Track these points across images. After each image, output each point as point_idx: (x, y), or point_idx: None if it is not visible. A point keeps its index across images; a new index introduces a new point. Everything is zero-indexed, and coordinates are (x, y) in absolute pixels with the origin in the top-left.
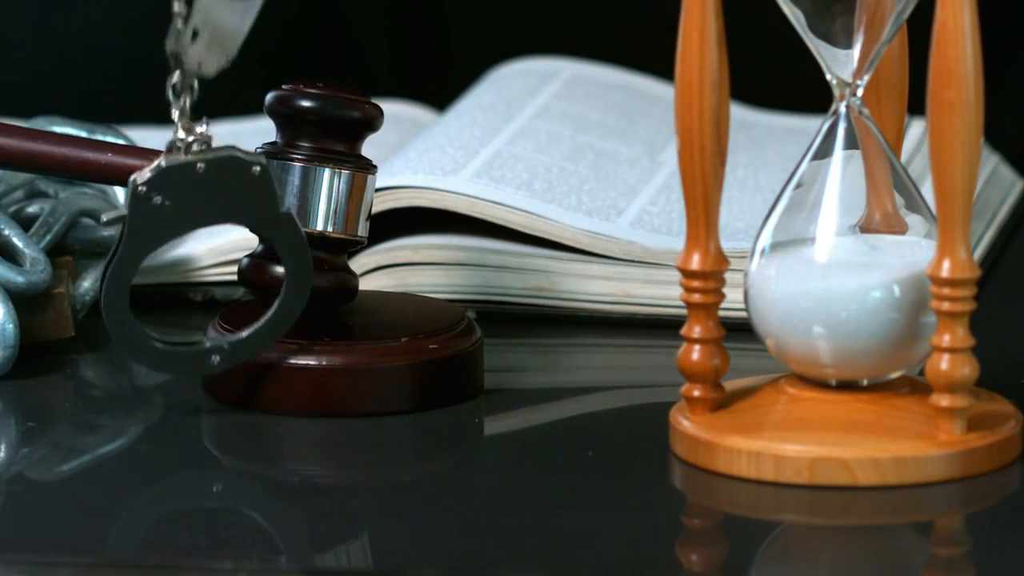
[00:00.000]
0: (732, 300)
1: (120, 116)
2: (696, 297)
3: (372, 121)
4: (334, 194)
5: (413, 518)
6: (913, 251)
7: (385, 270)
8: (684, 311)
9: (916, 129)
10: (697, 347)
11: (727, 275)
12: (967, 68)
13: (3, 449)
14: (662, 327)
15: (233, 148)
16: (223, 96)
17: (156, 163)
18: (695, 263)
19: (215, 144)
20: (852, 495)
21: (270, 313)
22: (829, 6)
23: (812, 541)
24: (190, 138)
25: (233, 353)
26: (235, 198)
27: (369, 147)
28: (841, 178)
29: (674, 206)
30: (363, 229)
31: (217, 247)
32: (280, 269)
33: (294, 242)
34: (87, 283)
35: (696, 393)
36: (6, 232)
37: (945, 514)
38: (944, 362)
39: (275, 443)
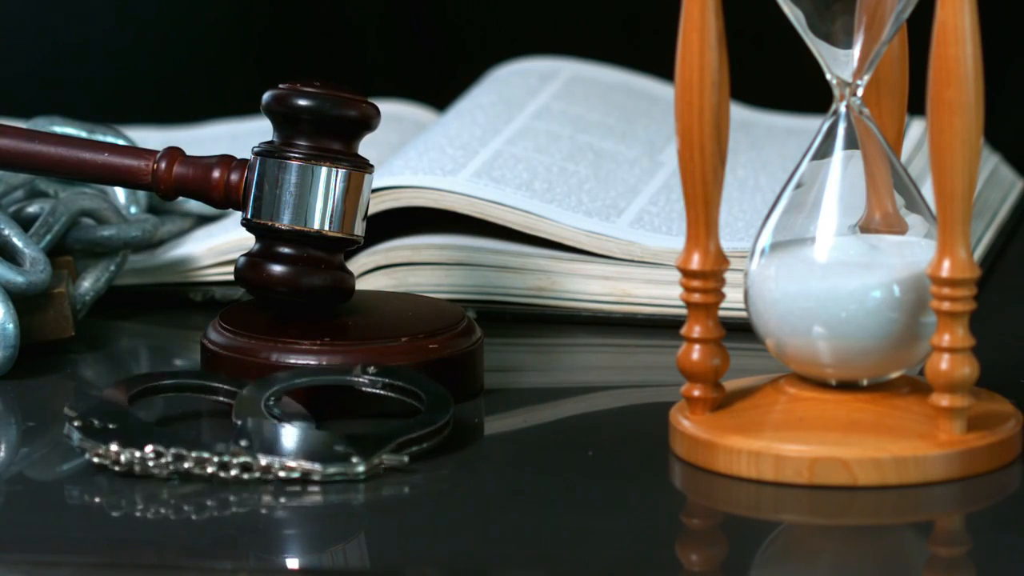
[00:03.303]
0: (732, 300)
1: (120, 116)
2: (696, 297)
3: (369, 120)
4: (331, 193)
5: (413, 518)
6: (913, 251)
7: (385, 270)
8: (684, 311)
9: (916, 129)
10: (697, 347)
11: (727, 275)
12: (967, 68)
13: (3, 449)
14: (662, 327)
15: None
16: (222, 97)
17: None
18: (695, 263)
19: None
20: (852, 495)
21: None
22: (829, 6)
23: (812, 541)
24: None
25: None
26: None
27: (369, 147)
28: (841, 178)
29: (674, 206)
30: (360, 228)
31: (217, 247)
32: (276, 268)
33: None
34: (87, 283)
35: (696, 393)
36: (6, 232)
37: (945, 514)
38: (944, 362)
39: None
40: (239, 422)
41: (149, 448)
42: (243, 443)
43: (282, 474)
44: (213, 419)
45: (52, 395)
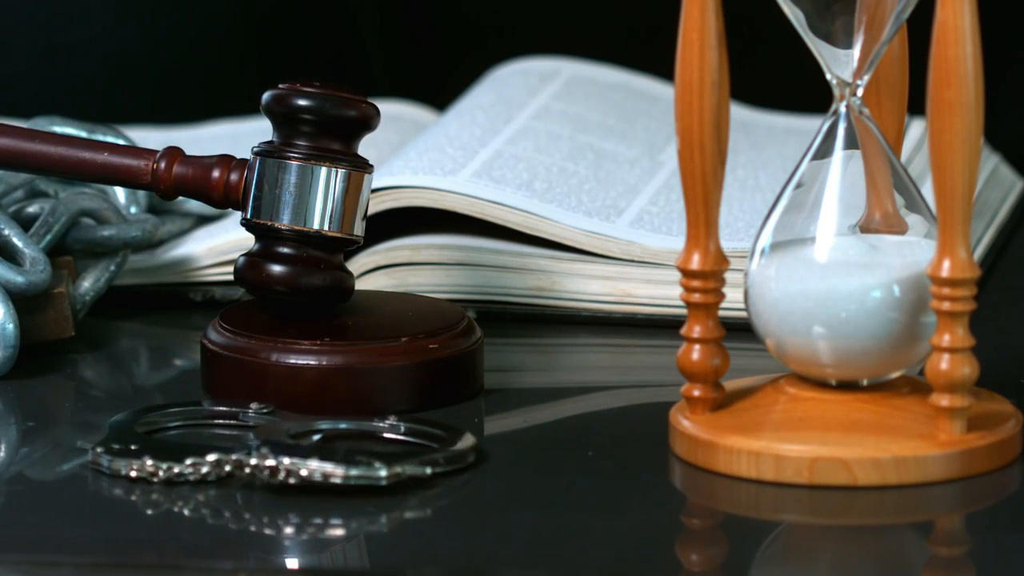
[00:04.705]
0: (732, 300)
1: (120, 116)
2: (696, 297)
3: (368, 120)
4: (331, 193)
5: (413, 518)
6: (913, 251)
7: (385, 270)
8: (684, 311)
9: (916, 129)
10: (697, 347)
11: (727, 275)
12: (967, 68)
13: (3, 449)
14: (662, 327)
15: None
16: (222, 97)
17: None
18: (695, 263)
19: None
20: (852, 495)
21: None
22: (829, 6)
23: (812, 541)
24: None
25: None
26: None
27: (369, 147)
28: (841, 178)
29: (674, 206)
30: (359, 228)
31: (217, 247)
32: (276, 267)
33: None
34: (87, 283)
35: (696, 393)
36: (6, 232)
37: (945, 514)
38: (944, 362)
39: None
40: (259, 440)
41: (188, 460)
42: (264, 449)
43: (303, 473)
44: (220, 429)
45: (52, 395)
